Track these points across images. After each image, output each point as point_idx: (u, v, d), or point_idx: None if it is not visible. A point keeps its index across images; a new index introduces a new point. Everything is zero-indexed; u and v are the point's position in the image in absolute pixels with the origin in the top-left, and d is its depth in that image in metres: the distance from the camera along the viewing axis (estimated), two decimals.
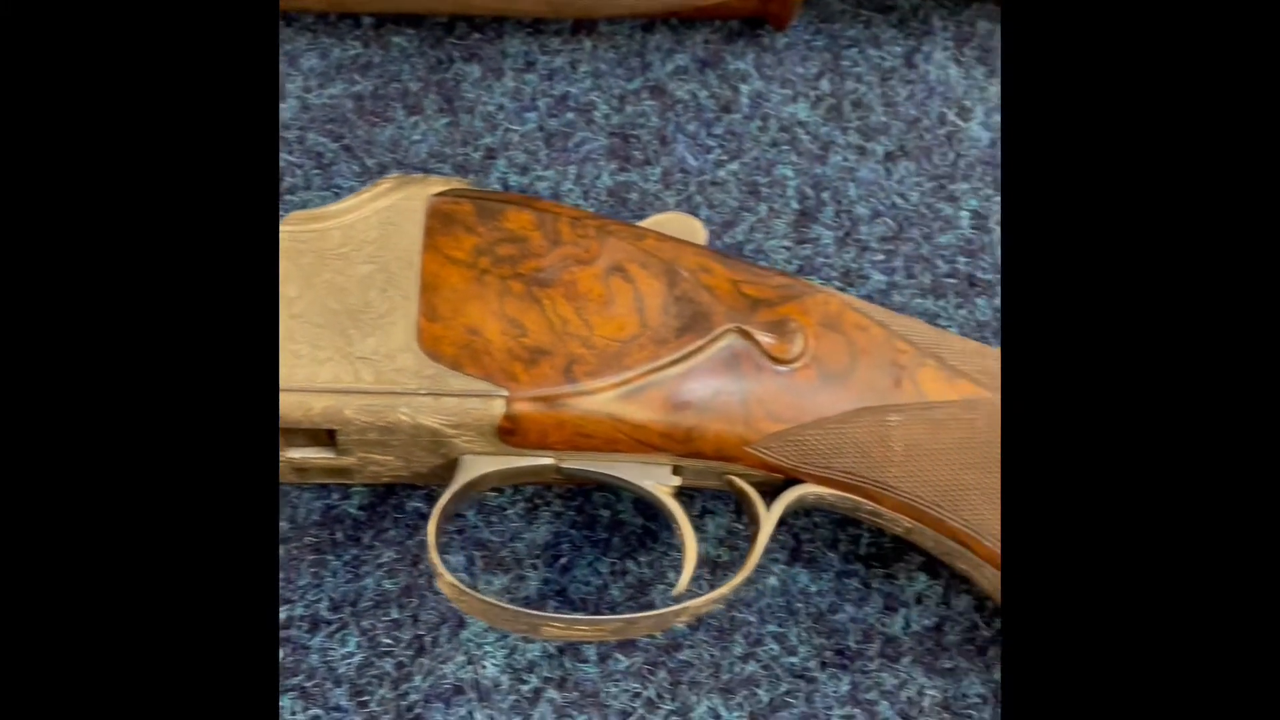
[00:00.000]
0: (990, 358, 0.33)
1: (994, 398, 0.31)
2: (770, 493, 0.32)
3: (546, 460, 0.31)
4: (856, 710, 0.33)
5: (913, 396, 0.31)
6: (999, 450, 0.31)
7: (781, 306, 0.32)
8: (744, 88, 0.43)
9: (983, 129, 0.43)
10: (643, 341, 0.31)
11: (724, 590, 0.31)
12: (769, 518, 0.31)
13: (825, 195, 0.42)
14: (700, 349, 0.31)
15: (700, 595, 0.31)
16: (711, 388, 0.31)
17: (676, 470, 0.32)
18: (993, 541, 0.31)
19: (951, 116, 0.44)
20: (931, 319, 0.40)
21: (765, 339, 0.31)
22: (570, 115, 0.42)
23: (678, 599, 0.31)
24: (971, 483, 0.31)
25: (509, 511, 0.36)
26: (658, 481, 0.32)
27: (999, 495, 0.31)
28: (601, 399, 0.30)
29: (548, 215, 0.32)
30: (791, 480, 0.32)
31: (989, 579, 0.31)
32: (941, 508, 0.31)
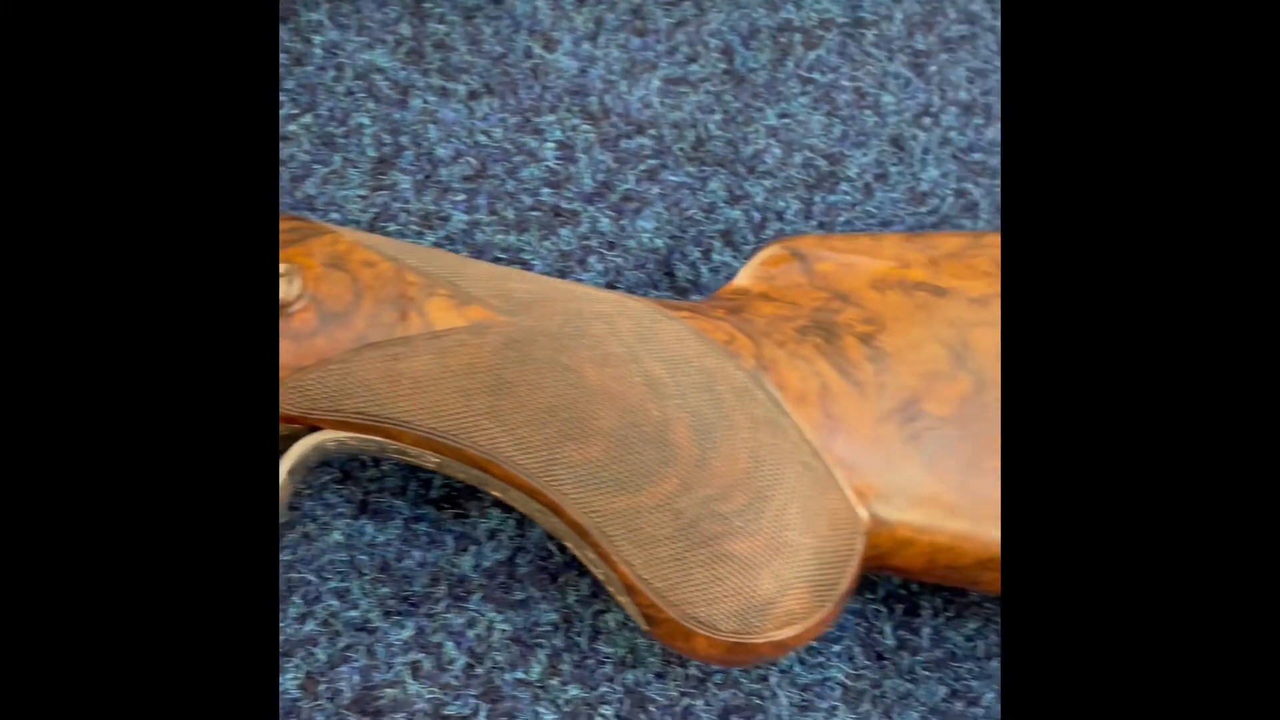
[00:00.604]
0: (512, 279, 0.32)
1: (505, 319, 0.31)
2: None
3: None
4: (421, 655, 0.33)
5: (420, 328, 0.30)
6: (508, 372, 0.30)
7: (283, 251, 0.31)
8: (317, 39, 0.42)
9: (570, 59, 0.43)
10: None
11: None
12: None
13: (404, 140, 0.41)
14: None
15: None
16: None
17: None
18: (509, 464, 0.30)
19: (538, 50, 0.43)
20: (515, 254, 0.39)
21: None
22: None
23: None
24: (481, 407, 0.30)
25: None
26: None
27: (509, 416, 0.30)
28: None
29: None
30: (314, 429, 0.31)
31: (518, 500, 0.31)
32: (458, 437, 0.30)
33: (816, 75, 0.44)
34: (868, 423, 0.31)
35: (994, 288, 0.33)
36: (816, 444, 0.30)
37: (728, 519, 0.29)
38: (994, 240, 0.35)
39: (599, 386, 0.30)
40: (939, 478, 0.30)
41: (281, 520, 0.31)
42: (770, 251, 0.34)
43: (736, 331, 0.32)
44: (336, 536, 0.34)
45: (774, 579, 0.29)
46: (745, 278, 0.34)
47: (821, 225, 0.41)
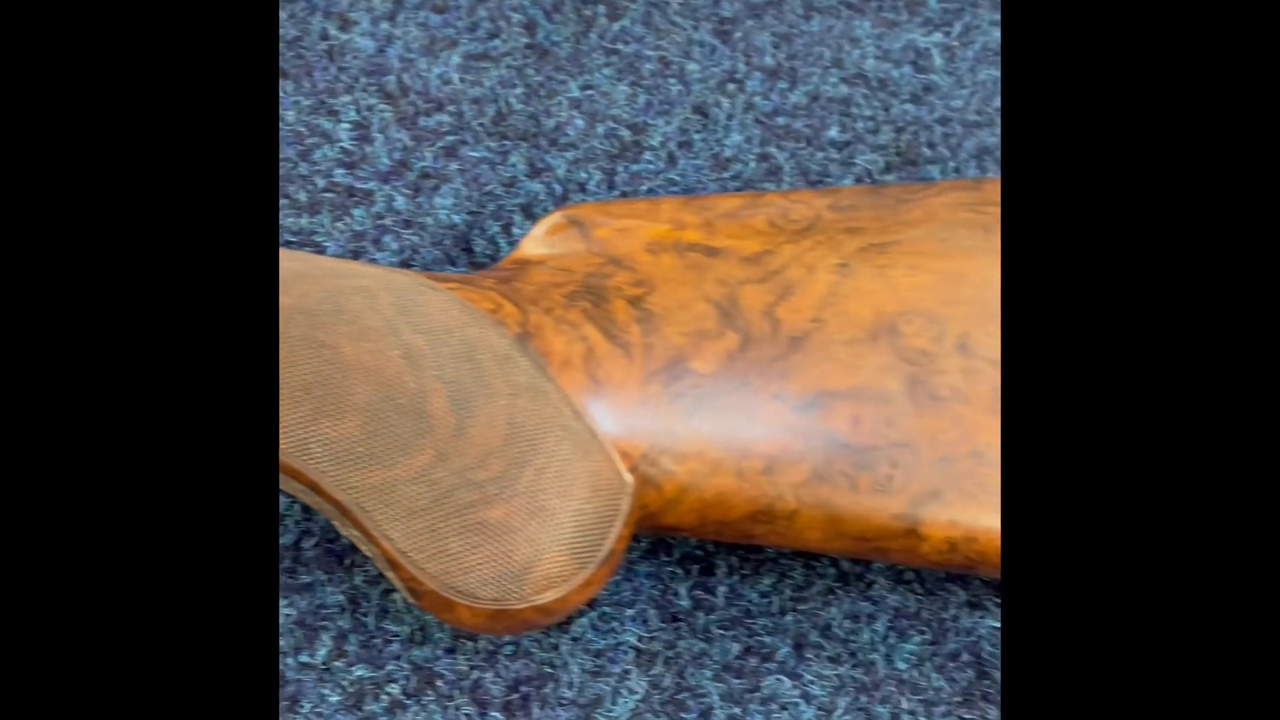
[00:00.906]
0: (292, 259, 0.32)
1: (284, 301, 0.30)
2: None
3: None
4: None
5: None
6: (284, 353, 0.30)
7: None
8: None
9: (367, 39, 0.42)
10: None
11: None
12: None
13: None
14: None
15: None
16: None
17: None
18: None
19: (334, 30, 0.42)
20: (307, 236, 0.39)
21: None
22: None
23: None
24: None
25: None
26: None
27: (285, 398, 0.30)
28: None
29: None
30: None
31: (300, 491, 0.30)
32: None
33: (621, 46, 0.44)
34: (634, 384, 0.31)
35: (767, 245, 0.33)
36: (580, 407, 0.30)
37: (483, 486, 0.29)
38: (772, 199, 0.35)
39: (355, 361, 0.30)
40: (704, 434, 0.30)
41: None
42: (551, 220, 0.34)
43: (503, 300, 0.32)
44: None
45: (529, 544, 0.29)
46: (527, 247, 0.34)
47: (625, 194, 0.41)
